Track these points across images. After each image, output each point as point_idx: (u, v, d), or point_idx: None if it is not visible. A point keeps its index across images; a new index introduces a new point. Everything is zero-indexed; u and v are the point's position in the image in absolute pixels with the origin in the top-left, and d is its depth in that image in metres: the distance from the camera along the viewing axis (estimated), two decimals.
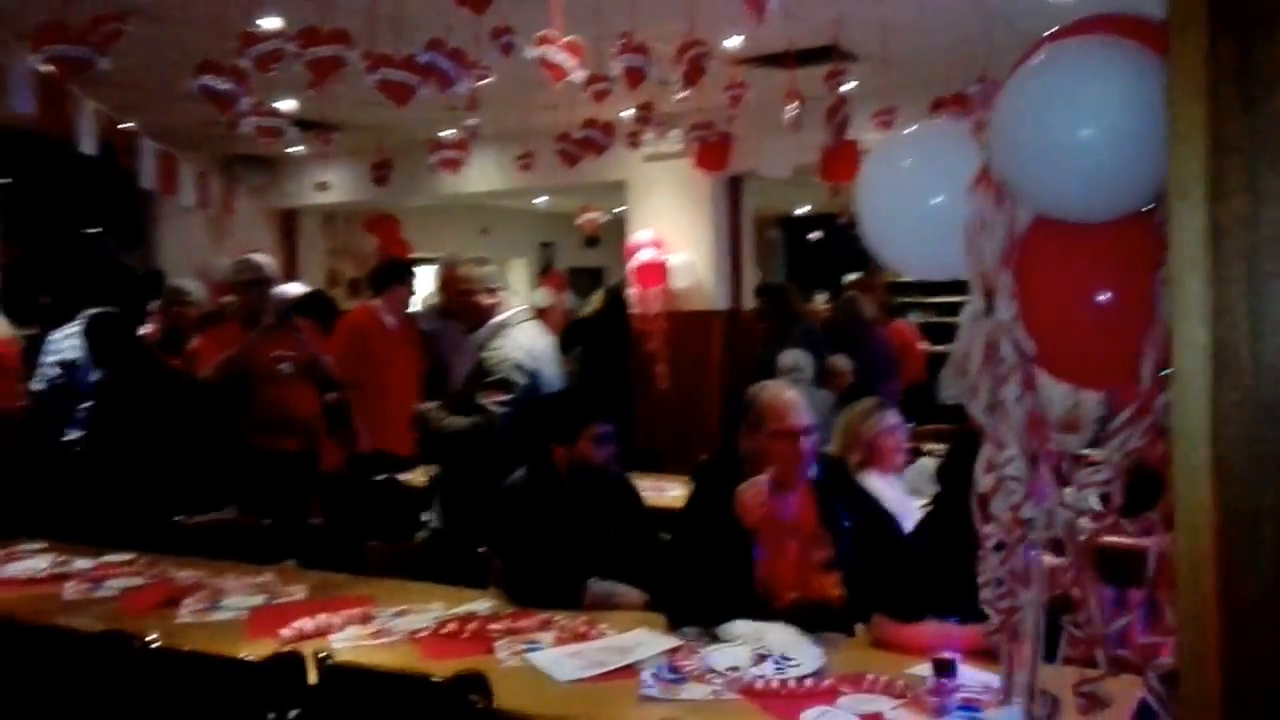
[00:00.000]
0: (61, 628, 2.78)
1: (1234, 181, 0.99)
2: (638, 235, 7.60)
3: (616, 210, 9.16)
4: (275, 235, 9.44)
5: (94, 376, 4.98)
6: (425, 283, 6.79)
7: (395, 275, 5.79)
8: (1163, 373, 1.28)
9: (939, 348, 9.24)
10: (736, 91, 4.93)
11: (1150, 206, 1.29)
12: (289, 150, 8.03)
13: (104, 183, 7.03)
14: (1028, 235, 1.39)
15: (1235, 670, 1.00)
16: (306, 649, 2.49)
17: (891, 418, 3.81)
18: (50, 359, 4.96)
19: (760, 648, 2.52)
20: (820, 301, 8.48)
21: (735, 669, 2.42)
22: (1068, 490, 1.43)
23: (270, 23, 3.80)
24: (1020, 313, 1.38)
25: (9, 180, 7.31)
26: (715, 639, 2.63)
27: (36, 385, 4.91)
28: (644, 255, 7.46)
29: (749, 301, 7.91)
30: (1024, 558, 1.48)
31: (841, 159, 6.07)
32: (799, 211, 13.14)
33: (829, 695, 2.29)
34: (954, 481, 2.69)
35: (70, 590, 3.25)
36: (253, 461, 4.89)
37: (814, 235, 13.34)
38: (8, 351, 4.80)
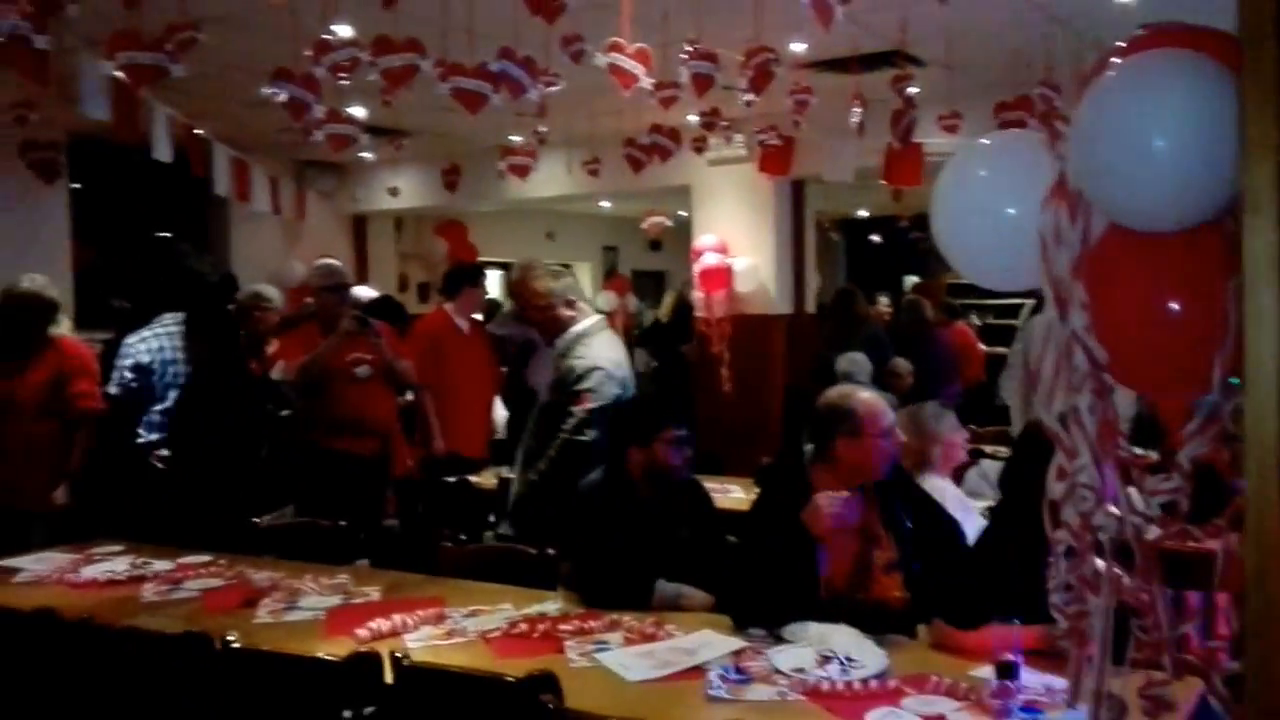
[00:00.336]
0: (142, 629, 2.84)
1: None
2: (702, 239, 7.63)
3: (680, 214, 9.21)
4: (346, 240, 9.64)
5: (168, 380, 5.11)
6: (496, 287, 6.92)
7: (467, 279, 5.89)
8: (1232, 381, 1.28)
9: (998, 349, 9.15)
10: (802, 97, 4.93)
11: (1221, 217, 1.30)
12: (359, 156, 8.20)
13: (175, 188, 7.26)
14: (1100, 245, 1.40)
15: None
16: (382, 648, 2.54)
17: (954, 420, 3.80)
18: (125, 362, 5.07)
19: (825, 649, 2.54)
20: (883, 304, 8.43)
21: (800, 670, 2.44)
22: (1135, 496, 1.43)
23: (342, 31, 3.89)
24: (1093, 322, 1.39)
25: (80, 185, 7.53)
26: (780, 640, 2.65)
27: (112, 389, 5.02)
28: (708, 260, 7.48)
29: (811, 305, 7.90)
30: (1094, 564, 1.48)
31: (905, 163, 6.04)
32: (859, 214, 13.06)
33: (893, 697, 2.31)
34: (1017, 488, 2.70)
35: (149, 591, 3.32)
36: (327, 464, 4.98)
37: (875, 238, 13.26)
38: (87, 354, 4.97)
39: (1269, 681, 1.01)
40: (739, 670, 2.47)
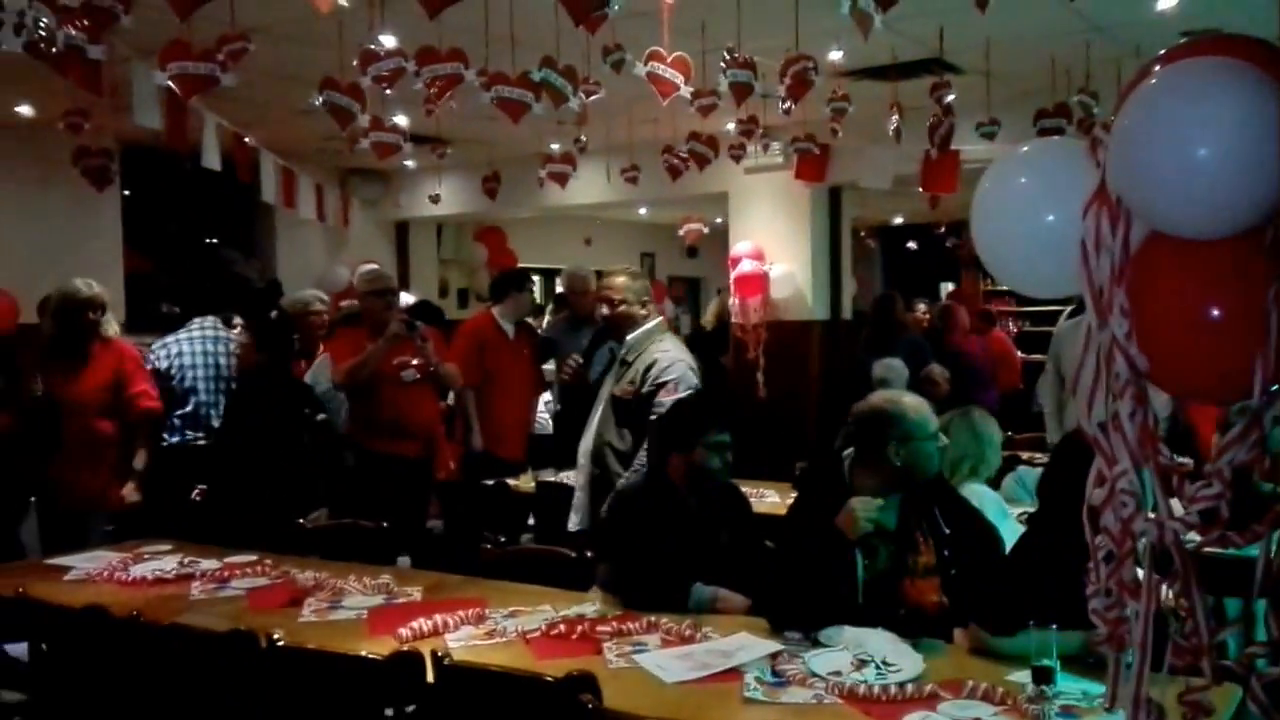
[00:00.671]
0: (189, 627, 2.88)
1: None
2: (738, 246, 7.65)
3: (717, 221, 9.23)
4: (389, 246, 9.76)
5: (187, 385, 5.21)
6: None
7: (513, 284, 5.94)
8: (1274, 388, 1.29)
9: (1036, 356, 9.09)
10: (840, 104, 4.95)
11: (1263, 225, 1.31)
12: (402, 164, 8.31)
13: (223, 196, 7.40)
14: (1141, 252, 1.41)
15: None
16: (424, 648, 2.57)
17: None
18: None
19: (861, 653, 2.54)
20: (921, 310, 8.41)
21: (836, 673, 2.45)
22: (1175, 503, 1.44)
23: (387, 41, 3.96)
24: (1134, 329, 1.40)
25: (130, 193, 7.68)
26: (817, 644, 2.67)
27: None
28: (744, 266, 7.50)
29: (848, 312, 7.89)
30: (1133, 570, 1.49)
31: (942, 170, 6.04)
32: (896, 221, 13.02)
33: (929, 701, 2.31)
34: (1055, 494, 2.70)
35: (197, 590, 3.38)
36: (372, 465, 5.04)
37: (911, 245, 13.21)
38: (139, 355, 5.08)
39: None
40: (775, 673, 2.49)
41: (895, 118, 5.30)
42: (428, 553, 4.81)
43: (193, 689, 2.80)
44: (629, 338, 4.09)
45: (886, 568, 2.85)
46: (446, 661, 2.45)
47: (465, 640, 2.80)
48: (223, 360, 5.46)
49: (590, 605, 3.10)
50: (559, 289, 6.48)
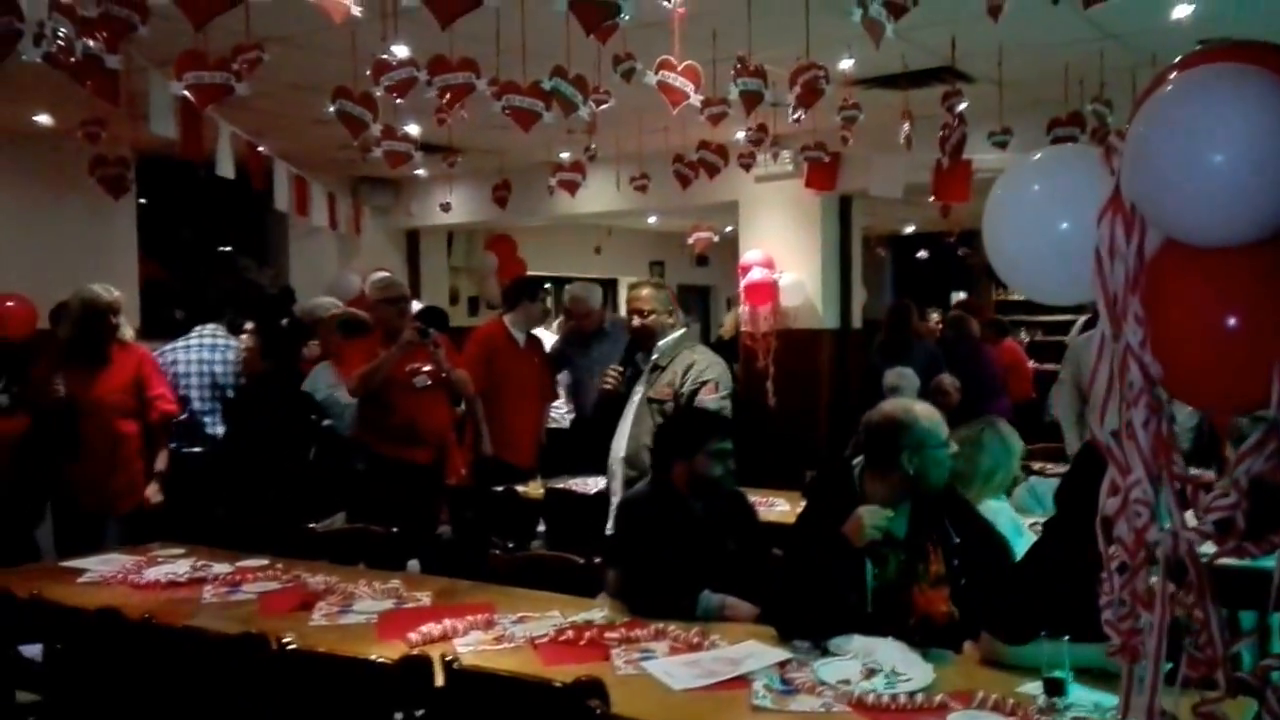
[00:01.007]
0: (201, 630, 2.91)
1: None
2: (748, 255, 7.65)
3: (726, 230, 9.24)
4: (400, 254, 9.79)
5: (180, 393, 5.24)
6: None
7: (525, 293, 5.96)
8: None
9: (1048, 366, 9.06)
10: (850, 113, 4.95)
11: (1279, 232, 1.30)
12: (413, 172, 8.33)
13: (237, 203, 7.44)
14: (1156, 260, 1.41)
15: None
16: (433, 652, 2.59)
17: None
18: None
19: (870, 662, 2.54)
20: (935, 320, 8.39)
21: (845, 682, 2.45)
22: (1189, 513, 1.43)
23: (399, 51, 3.98)
24: (1148, 337, 1.39)
25: (145, 201, 7.73)
26: (826, 652, 2.66)
27: None
28: (754, 275, 7.50)
29: (858, 320, 7.88)
30: (1147, 580, 1.48)
31: (954, 179, 6.03)
32: (907, 230, 13.01)
33: (939, 712, 2.30)
34: (1071, 503, 2.68)
35: (209, 594, 3.41)
36: (383, 471, 5.06)
37: (922, 254, 13.20)
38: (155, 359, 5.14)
39: None
40: (784, 681, 2.48)
41: (906, 126, 5.29)
42: (437, 558, 4.82)
43: (204, 691, 2.83)
44: (660, 344, 4.28)
45: (896, 576, 2.85)
46: (455, 666, 2.46)
47: (474, 645, 2.81)
48: (219, 369, 5.50)
49: (598, 611, 3.11)
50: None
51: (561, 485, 5.24)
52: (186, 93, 3.59)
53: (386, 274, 5.74)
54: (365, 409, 5.14)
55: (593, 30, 3.08)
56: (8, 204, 6.88)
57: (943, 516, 2.91)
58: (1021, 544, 3.17)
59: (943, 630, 2.76)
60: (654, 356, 4.28)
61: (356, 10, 3.28)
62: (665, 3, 3.20)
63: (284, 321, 5.68)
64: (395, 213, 9.58)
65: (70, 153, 5.50)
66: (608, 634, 2.84)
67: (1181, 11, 4.66)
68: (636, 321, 4.36)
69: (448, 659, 2.48)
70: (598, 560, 3.46)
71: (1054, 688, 2.26)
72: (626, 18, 3.05)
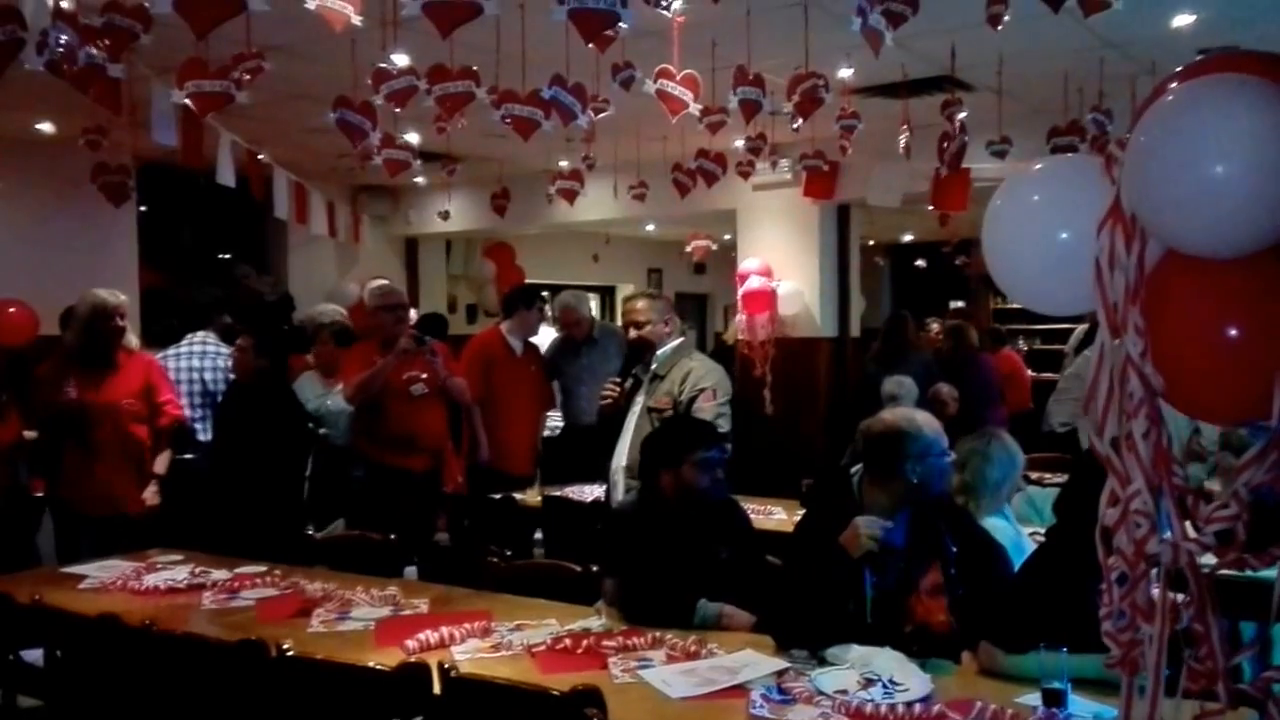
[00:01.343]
0: (200, 636, 2.93)
1: None
2: (746, 263, 7.65)
3: (725, 238, 9.25)
4: (399, 262, 9.81)
5: (181, 399, 5.27)
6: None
7: (522, 301, 5.98)
8: None
9: (1046, 375, 9.06)
10: (849, 122, 4.96)
11: None
12: (412, 180, 8.34)
13: (236, 211, 7.45)
14: (1157, 270, 1.41)
15: None
16: (431, 660, 2.58)
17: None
18: None
19: (868, 672, 2.54)
20: (934, 329, 8.40)
21: (843, 692, 2.44)
22: (1189, 524, 1.43)
23: (399, 60, 3.98)
24: (1149, 347, 1.39)
25: (146, 209, 7.73)
26: (823, 662, 2.66)
27: None
28: (752, 283, 7.50)
29: (856, 329, 7.88)
30: (1147, 591, 1.48)
31: (953, 188, 6.04)
32: (905, 239, 13.03)
33: None
34: (1071, 513, 2.68)
35: (208, 600, 3.43)
36: (380, 478, 5.06)
37: (920, 263, 13.22)
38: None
39: None
40: (781, 691, 2.48)
41: (905, 135, 5.30)
42: (435, 565, 4.82)
43: (203, 697, 2.84)
44: (658, 353, 4.27)
45: (894, 586, 2.84)
46: (453, 674, 2.46)
47: (471, 653, 2.82)
48: (209, 376, 5.53)
49: (596, 620, 3.10)
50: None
51: (559, 493, 5.24)
52: (188, 101, 3.60)
53: (384, 282, 5.74)
54: (362, 417, 5.15)
55: (592, 39, 3.09)
56: (10, 210, 6.88)
57: (941, 526, 2.91)
58: (1021, 560, 3.17)
59: (941, 640, 2.76)
60: (653, 366, 4.27)
61: (357, 20, 3.28)
62: (664, 12, 3.21)
63: (284, 328, 5.68)
64: (394, 221, 9.59)
65: (72, 160, 5.50)
66: (605, 642, 2.84)
67: (1182, 20, 4.67)
68: (633, 333, 4.34)
69: (445, 666, 2.48)
70: (595, 568, 3.45)
71: (1053, 699, 2.26)
72: (625, 27, 3.05)
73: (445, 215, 8.08)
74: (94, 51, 3.27)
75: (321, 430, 5.45)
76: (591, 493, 5.05)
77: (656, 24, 3.61)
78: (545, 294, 7.48)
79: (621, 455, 4.26)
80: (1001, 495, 3.60)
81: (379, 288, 5.49)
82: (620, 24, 3.02)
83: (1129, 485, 1.44)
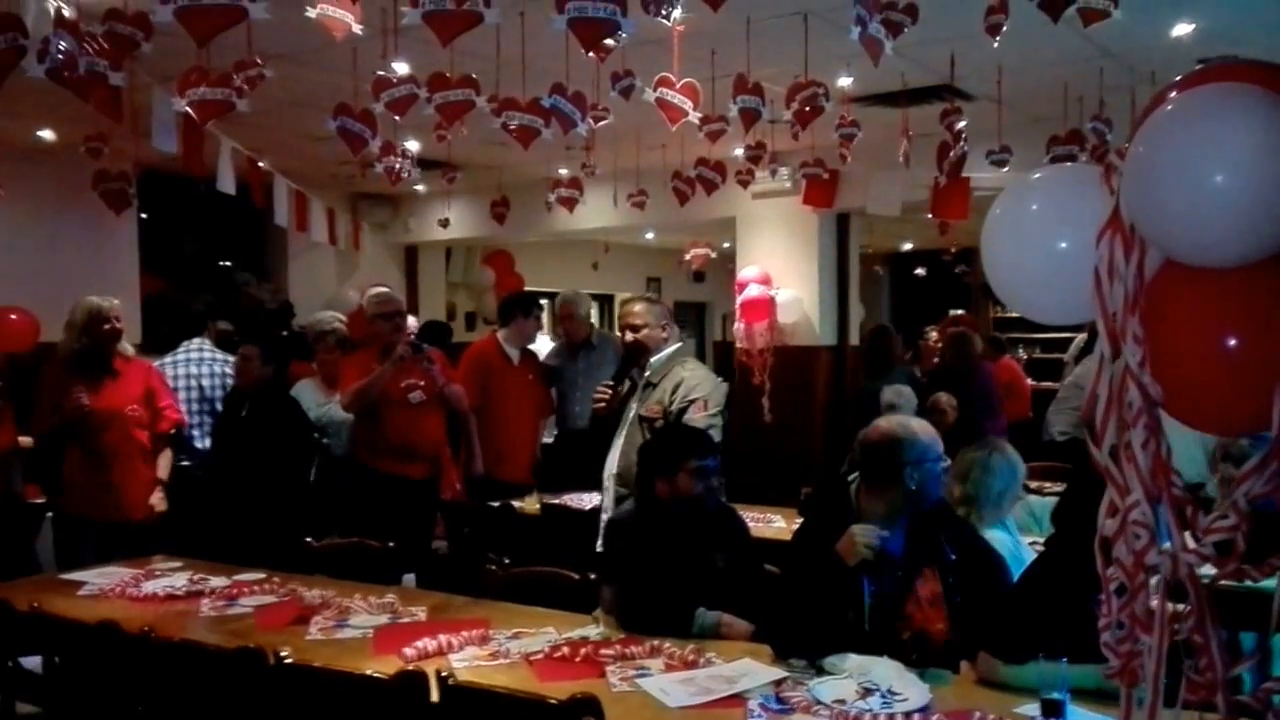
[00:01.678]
0: (198, 643, 2.92)
1: None
2: (745, 271, 7.66)
3: (724, 246, 9.26)
4: (398, 269, 9.81)
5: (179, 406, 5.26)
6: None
7: (520, 308, 5.94)
8: None
9: (1045, 384, 9.06)
10: (849, 130, 4.97)
11: None
12: (412, 188, 8.35)
13: (237, 219, 7.46)
14: (1156, 280, 1.40)
15: None
16: (428, 668, 2.57)
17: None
18: None
19: (866, 681, 2.53)
20: (932, 338, 8.40)
21: (841, 702, 2.44)
22: (1189, 535, 1.43)
23: (399, 68, 3.99)
24: (1147, 357, 1.39)
25: (147, 216, 7.74)
26: (821, 671, 2.65)
27: None
28: (751, 291, 7.51)
29: (855, 338, 7.89)
30: (1146, 602, 1.48)
31: (953, 197, 6.05)
32: (905, 248, 13.04)
33: None
34: (1070, 524, 2.68)
35: (207, 607, 3.42)
36: (378, 486, 5.06)
37: (920, 271, 13.24)
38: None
39: None
40: (780, 700, 2.47)
41: (905, 144, 5.31)
42: (433, 573, 4.81)
43: (201, 704, 2.84)
44: (653, 360, 4.21)
45: (892, 594, 2.84)
46: (450, 682, 2.46)
47: (469, 661, 2.81)
48: (205, 383, 5.53)
49: (594, 628, 3.10)
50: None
51: (557, 501, 5.23)
52: (188, 109, 3.60)
53: (383, 289, 5.74)
54: (360, 424, 5.15)
55: (592, 48, 3.10)
56: (11, 218, 6.88)
57: (939, 534, 2.90)
58: (1020, 571, 3.17)
59: (939, 649, 2.75)
60: (647, 372, 4.23)
61: (358, 28, 3.29)
62: (664, 20, 3.21)
63: (283, 334, 5.69)
64: (394, 228, 9.60)
65: (73, 167, 5.52)
66: (603, 651, 2.83)
67: (1182, 30, 4.68)
68: (629, 337, 4.29)
69: (443, 674, 2.47)
70: (593, 576, 3.45)
71: (1052, 709, 2.25)
72: (626, 36, 3.06)
73: (445, 223, 8.10)
74: (95, 59, 3.27)
75: (324, 440, 5.45)
76: (590, 500, 5.05)
77: (656, 32, 3.62)
78: (543, 301, 7.47)
79: (613, 463, 4.22)
80: (1004, 507, 3.60)
81: (376, 295, 5.50)
82: (620, 33, 3.02)
83: (1128, 496, 1.44)
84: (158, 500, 4.84)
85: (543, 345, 6.56)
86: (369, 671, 2.60)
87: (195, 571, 3.84)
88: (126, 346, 4.93)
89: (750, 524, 3.58)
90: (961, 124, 5.19)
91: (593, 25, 3.00)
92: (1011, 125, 5.48)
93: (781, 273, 7.59)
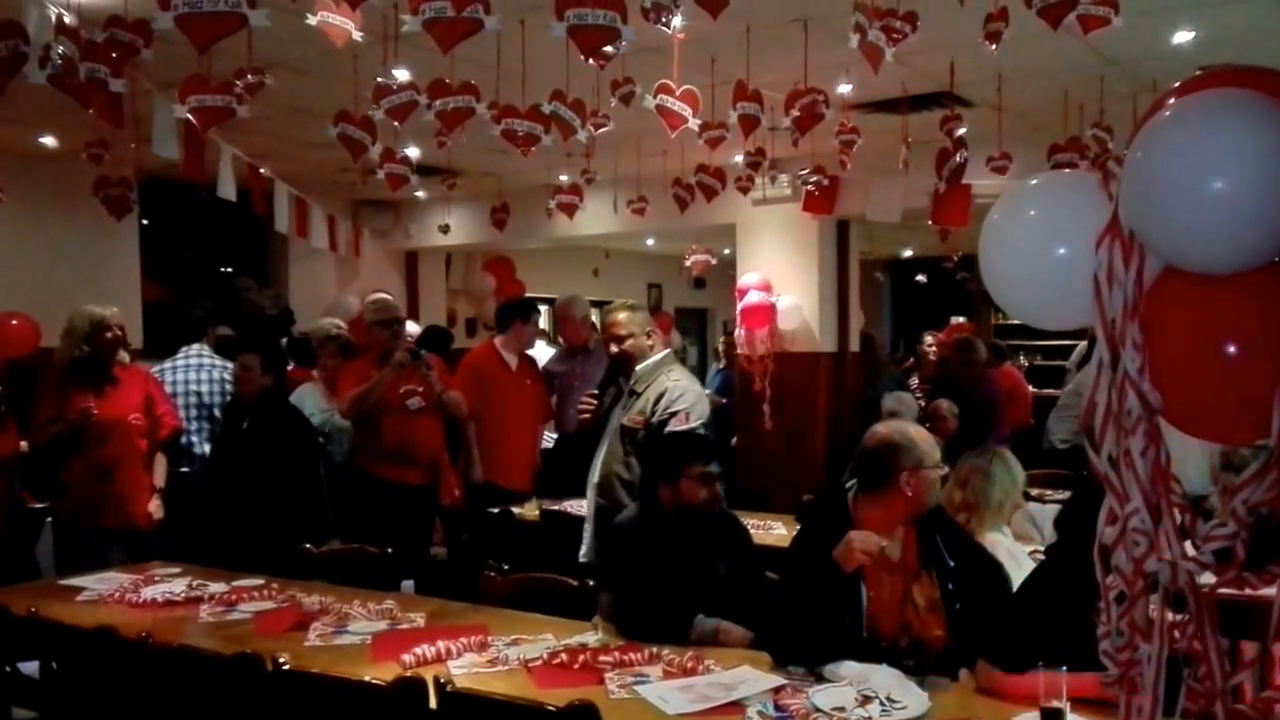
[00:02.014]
0: (196, 649, 2.92)
1: None
2: (746, 278, 7.66)
3: (724, 253, 9.26)
4: (399, 275, 9.82)
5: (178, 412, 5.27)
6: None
7: (518, 314, 5.95)
8: None
9: (1046, 391, 9.06)
10: (849, 137, 4.97)
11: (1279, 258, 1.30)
12: (412, 194, 8.35)
13: (237, 225, 7.46)
14: (1155, 286, 1.40)
15: None
16: (427, 674, 2.57)
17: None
18: None
19: (865, 689, 2.52)
20: (928, 343, 8.40)
21: (840, 709, 2.43)
22: (1189, 543, 1.43)
23: (400, 75, 4.00)
24: (1146, 364, 1.39)
25: (148, 222, 7.75)
26: (820, 679, 2.64)
27: None
28: (752, 298, 7.51)
29: (855, 344, 7.89)
30: (1146, 610, 1.47)
31: (953, 203, 6.05)
32: (905, 254, 13.04)
33: None
34: (1071, 531, 2.67)
35: (205, 613, 3.42)
36: (376, 492, 5.06)
37: (920, 278, 13.24)
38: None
39: None
40: (778, 708, 2.47)
41: (904, 151, 5.31)
42: (431, 579, 4.80)
43: (199, 710, 2.84)
44: (638, 368, 4.15)
45: (891, 600, 2.83)
46: (449, 688, 2.46)
47: (467, 667, 2.81)
48: (204, 389, 5.53)
49: (592, 635, 3.09)
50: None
51: (557, 507, 5.22)
52: (189, 115, 3.61)
53: (382, 295, 5.74)
54: (359, 431, 5.15)
55: (591, 55, 3.10)
56: (12, 224, 6.88)
57: (937, 541, 2.90)
58: (1020, 577, 3.16)
59: (938, 657, 2.75)
60: (631, 381, 4.17)
61: (358, 35, 3.30)
62: (664, 28, 3.22)
63: (283, 341, 5.69)
64: (394, 235, 9.60)
65: (74, 174, 5.52)
66: (601, 657, 2.83)
67: (1182, 37, 4.68)
68: (614, 348, 4.22)
69: (441, 681, 2.47)
70: (592, 583, 3.44)
71: (1051, 718, 2.24)
72: (625, 43, 3.06)
73: (445, 229, 8.09)
74: (96, 66, 3.28)
75: (327, 446, 5.45)
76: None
77: (656, 40, 3.62)
78: (541, 307, 7.47)
79: (595, 473, 4.18)
80: (1004, 513, 3.60)
81: (375, 302, 5.50)
82: (620, 40, 3.03)
83: (1127, 503, 1.43)
84: (155, 508, 4.85)
85: (541, 352, 6.55)
86: (367, 678, 2.61)
87: (194, 577, 3.84)
88: (122, 353, 4.93)
89: (750, 531, 3.58)
90: (961, 130, 5.19)
91: (592, 32, 3.01)
92: (1012, 132, 5.48)
93: (782, 279, 7.59)
